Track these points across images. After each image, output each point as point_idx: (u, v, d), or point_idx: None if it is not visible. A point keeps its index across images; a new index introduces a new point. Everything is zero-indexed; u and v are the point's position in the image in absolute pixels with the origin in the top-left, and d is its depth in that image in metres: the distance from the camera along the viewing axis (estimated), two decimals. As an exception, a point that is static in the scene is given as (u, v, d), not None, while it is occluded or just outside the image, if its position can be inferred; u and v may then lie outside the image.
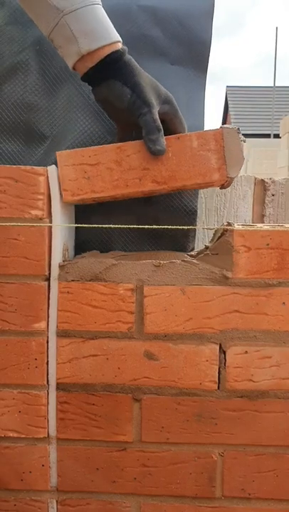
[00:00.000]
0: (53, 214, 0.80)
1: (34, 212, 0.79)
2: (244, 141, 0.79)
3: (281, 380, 0.82)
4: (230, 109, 23.25)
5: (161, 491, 0.84)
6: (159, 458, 0.84)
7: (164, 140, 0.78)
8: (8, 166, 0.81)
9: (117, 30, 0.99)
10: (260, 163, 8.22)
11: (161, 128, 0.78)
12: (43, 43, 0.97)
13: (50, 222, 0.81)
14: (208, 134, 0.78)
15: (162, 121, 0.80)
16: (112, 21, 0.98)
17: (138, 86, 0.79)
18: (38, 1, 0.78)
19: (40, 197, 0.79)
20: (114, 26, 0.99)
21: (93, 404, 0.83)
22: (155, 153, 0.77)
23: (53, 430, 0.84)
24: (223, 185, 0.82)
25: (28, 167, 0.80)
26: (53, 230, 0.80)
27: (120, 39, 0.81)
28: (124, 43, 1.00)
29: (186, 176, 0.78)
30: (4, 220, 0.80)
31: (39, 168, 0.80)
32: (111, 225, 0.80)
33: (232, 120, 22.29)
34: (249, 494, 0.84)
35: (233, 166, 0.78)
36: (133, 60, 0.82)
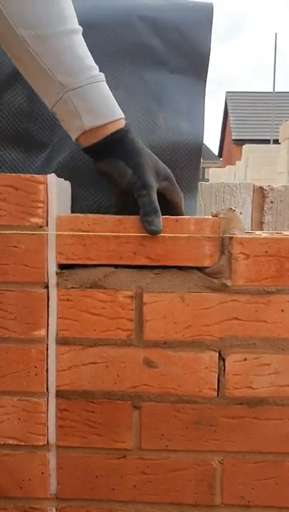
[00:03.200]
0: (49, 222, 0.80)
1: (34, 220, 0.80)
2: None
3: (280, 388, 0.82)
4: (229, 114, 23.33)
5: (161, 499, 0.84)
6: (159, 465, 0.84)
7: (160, 221, 0.80)
8: (8, 174, 0.81)
9: (117, 40, 0.99)
10: (260, 168, 8.23)
11: (158, 209, 0.80)
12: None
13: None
14: (206, 222, 0.81)
15: (161, 194, 0.83)
16: (113, 31, 0.99)
17: (140, 167, 0.81)
18: (42, 74, 0.79)
19: (40, 205, 0.80)
20: (115, 36, 1.00)
21: (93, 411, 0.83)
22: (151, 233, 0.80)
23: (52, 438, 0.84)
24: None
25: (28, 175, 0.80)
26: (49, 237, 0.80)
27: (123, 115, 0.82)
28: (124, 52, 1.01)
29: (179, 258, 0.80)
30: (4, 228, 0.80)
31: (39, 176, 0.80)
32: (111, 233, 0.80)
33: (231, 125, 22.35)
34: (249, 502, 0.84)
35: None
36: (136, 137, 0.83)
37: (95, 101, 0.80)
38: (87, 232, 0.80)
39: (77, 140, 0.83)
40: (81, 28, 0.81)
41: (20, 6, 0.76)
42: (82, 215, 0.82)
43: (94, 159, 0.84)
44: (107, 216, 0.81)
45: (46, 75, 0.78)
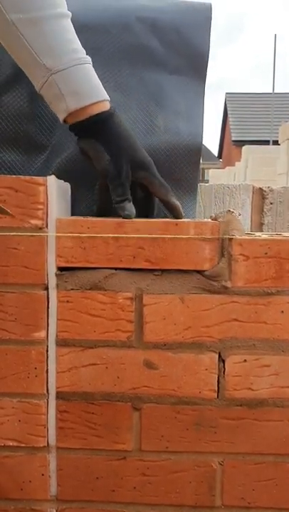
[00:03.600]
0: (49, 223, 0.80)
1: (34, 221, 0.80)
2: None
3: (280, 389, 0.82)
4: (229, 115, 23.34)
5: (161, 500, 0.84)
6: (159, 467, 0.84)
7: (131, 205, 0.83)
8: (8, 175, 0.81)
9: (116, 41, 1.00)
10: (259, 169, 8.24)
11: (128, 196, 0.83)
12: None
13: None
14: (205, 225, 0.80)
15: (142, 185, 0.86)
16: (112, 33, 1.00)
17: (116, 155, 0.83)
18: (29, 58, 0.80)
19: (40, 207, 0.80)
20: (114, 37, 1.00)
21: (93, 413, 0.83)
22: (125, 218, 0.81)
23: (52, 439, 0.84)
24: None
25: (28, 177, 0.80)
26: (48, 239, 0.80)
27: (108, 98, 0.84)
28: (123, 53, 1.01)
29: (179, 261, 0.80)
30: (4, 230, 0.80)
31: (39, 178, 0.80)
32: (110, 235, 0.81)
33: (231, 126, 22.36)
34: (249, 503, 0.84)
35: None
36: (120, 121, 0.84)
37: (79, 83, 0.81)
38: (88, 235, 0.80)
39: (64, 121, 0.85)
40: (70, 14, 0.82)
41: None
42: (81, 218, 0.82)
43: (78, 137, 0.86)
44: (106, 219, 0.81)
45: (33, 59, 0.80)
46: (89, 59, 0.82)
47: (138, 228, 0.80)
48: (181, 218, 0.88)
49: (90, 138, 0.84)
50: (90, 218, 0.82)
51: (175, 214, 0.88)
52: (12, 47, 0.82)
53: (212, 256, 0.80)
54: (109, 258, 0.81)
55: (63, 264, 0.81)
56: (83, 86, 0.81)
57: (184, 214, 0.89)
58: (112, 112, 0.83)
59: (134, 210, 0.82)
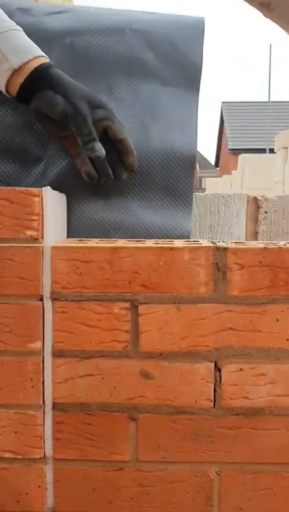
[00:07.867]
0: (44, 234, 0.81)
1: (29, 232, 0.80)
2: None
3: (276, 397, 0.82)
4: (225, 124, 23.46)
5: (159, 511, 0.84)
6: (156, 477, 0.84)
7: (100, 145, 0.84)
8: (3, 187, 0.82)
9: (111, 53, 1.01)
10: (256, 178, 8.27)
11: (95, 136, 0.84)
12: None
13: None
14: (200, 250, 0.81)
15: (102, 130, 0.86)
16: (106, 43, 1.01)
17: (68, 93, 0.85)
18: None
19: (35, 218, 0.80)
20: (108, 49, 1.02)
21: (89, 423, 0.83)
22: (96, 159, 0.83)
23: (49, 450, 0.84)
24: None
25: (23, 188, 0.81)
26: (44, 250, 0.81)
27: (46, 56, 0.89)
28: (118, 65, 1.02)
29: (174, 286, 0.81)
30: (-1, 241, 0.80)
31: (34, 190, 0.81)
32: (107, 242, 0.81)
33: (227, 135, 22.47)
34: (247, 513, 0.84)
35: None
36: (60, 71, 0.88)
37: (18, 43, 0.86)
38: (83, 261, 0.80)
39: (8, 92, 0.88)
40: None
41: None
42: (77, 244, 0.82)
43: (26, 105, 0.88)
44: (102, 245, 0.82)
45: None
46: (21, 29, 0.89)
47: (132, 254, 0.80)
48: (131, 149, 0.90)
49: (37, 92, 0.86)
50: (85, 244, 0.82)
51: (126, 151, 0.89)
52: None
53: (207, 280, 0.80)
54: (105, 284, 0.81)
55: (60, 290, 0.81)
56: (23, 45, 0.87)
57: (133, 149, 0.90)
58: (54, 64, 0.87)
59: (103, 151, 0.83)
